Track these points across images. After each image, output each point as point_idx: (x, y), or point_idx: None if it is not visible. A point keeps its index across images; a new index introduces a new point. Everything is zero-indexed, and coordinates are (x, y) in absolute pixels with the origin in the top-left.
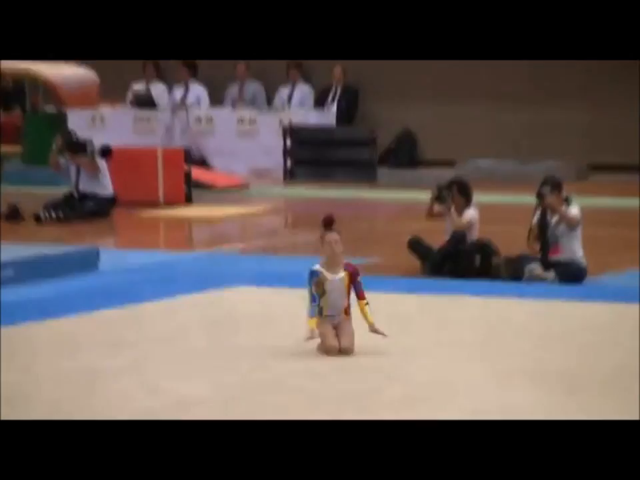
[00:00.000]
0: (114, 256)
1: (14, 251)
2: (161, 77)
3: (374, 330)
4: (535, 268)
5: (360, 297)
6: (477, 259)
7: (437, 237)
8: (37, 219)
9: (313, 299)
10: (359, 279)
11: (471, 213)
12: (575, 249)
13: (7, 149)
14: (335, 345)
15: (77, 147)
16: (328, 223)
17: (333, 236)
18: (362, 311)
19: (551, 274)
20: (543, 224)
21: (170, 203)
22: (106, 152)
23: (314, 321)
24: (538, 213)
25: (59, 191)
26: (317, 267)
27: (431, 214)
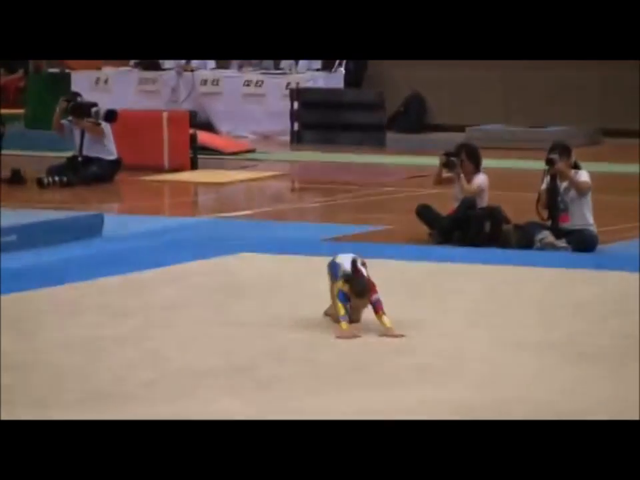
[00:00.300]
0: (118, 221)
1: (16, 216)
2: None
3: (391, 334)
4: (546, 236)
5: (377, 311)
6: (487, 226)
7: (446, 203)
8: (40, 183)
9: (342, 298)
10: (377, 295)
11: (480, 179)
12: (585, 216)
13: (9, 111)
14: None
15: (82, 111)
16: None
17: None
18: (379, 319)
19: (562, 242)
20: (552, 190)
21: (175, 167)
22: (111, 116)
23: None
24: (547, 179)
25: (62, 155)
26: (344, 265)
27: (439, 180)
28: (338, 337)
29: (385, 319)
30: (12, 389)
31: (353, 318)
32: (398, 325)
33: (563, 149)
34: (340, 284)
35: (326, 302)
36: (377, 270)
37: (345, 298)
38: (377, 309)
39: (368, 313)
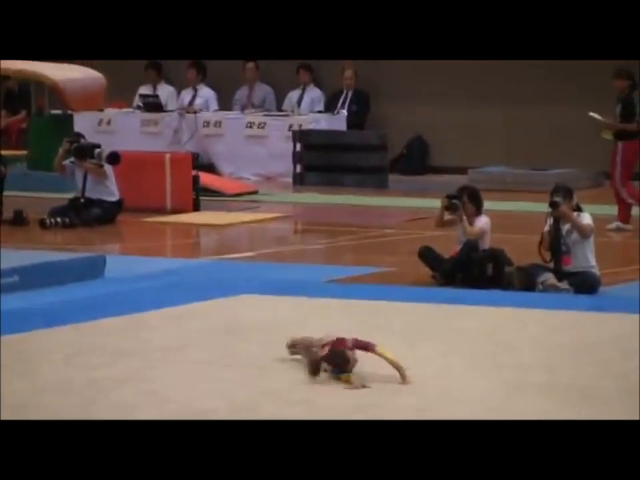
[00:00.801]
0: (120, 263)
1: (19, 256)
2: (169, 79)
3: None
4: (549, 278)
5: (370, 349)
6: (489, 268)
7: (449, 245)
8: (43, 224)
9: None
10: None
11: (482, 221)
12: (587, 258)
13: (11, 152)
14: None
15: (84, 152)
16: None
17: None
18: (383, 356)
19: (564, 284)
20: (555, 232)
21: (177, 209)
22: (114, 159)
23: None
24: (550, 221)
25: (64, 196)
26: None
27: (441, 222)
28: (346, 388)
29: (386, 352)
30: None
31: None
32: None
33: (565, 192)
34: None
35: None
36: (379, 312)
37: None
38: (367, 348)
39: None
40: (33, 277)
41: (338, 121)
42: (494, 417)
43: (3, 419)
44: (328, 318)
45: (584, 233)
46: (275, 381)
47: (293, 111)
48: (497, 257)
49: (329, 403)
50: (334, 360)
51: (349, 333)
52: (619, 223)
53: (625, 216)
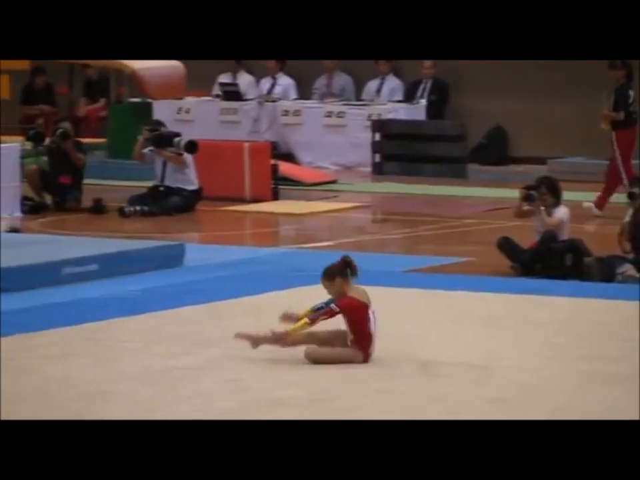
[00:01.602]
0: (199, 251)
1: (98, 245)
2: (248, 68)
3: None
4: (628, 269)
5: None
6: (568, 259)
7: (527, 235)
8: (122, 212)
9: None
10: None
11: (561, 212)
12: None
13: (91, 140)
14: None
15: (163, 141)
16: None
17: None
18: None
19: None
20: (635, 223)
21: (256, 198)
22: (192, 147)
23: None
24: (630, 211)
25: (143, 185)
26: None
27: (520, 213)
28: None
29: (300, 324)
30: (88, 416)
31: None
32: (475, 355)
33: None
34: None
35: (404, 333)
36: (456, 302)
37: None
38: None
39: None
40: (112, 265)
41: (417, 111)
42: (570, 407)
43: (84, 406)
44: (406, 308)
45: None
46: (353, 370)
47: (372, 101)
48: (575, 247)
49: (407, 392)
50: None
51: (426, 322)
52: (592, 206)
53: (601, 202)
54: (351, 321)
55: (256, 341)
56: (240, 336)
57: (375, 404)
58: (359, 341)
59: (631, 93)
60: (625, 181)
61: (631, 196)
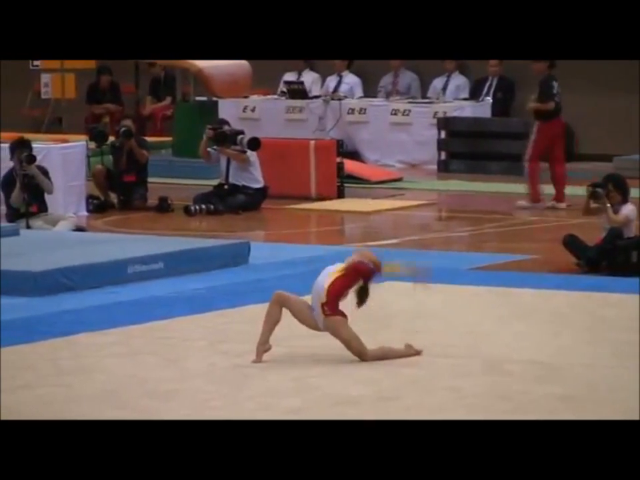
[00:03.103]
0: (264, 249)
1: (164, 243)
2: (313, 66)
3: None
4: None
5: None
6: (634, 256)
7: (593, 232)
8: (187, 211)
9: None
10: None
11: (627, 209)
12: None
13: (156, 139)
14: None
15: (226, 139)
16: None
17: None
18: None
19: None
20: None
21: (322, 196)
22: (254, 144)
23: None
24: None
25: (209, 183)
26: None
27: (587, 210)
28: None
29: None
30: (157, 416)
31: None
32: (542, 352)
33: None
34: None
35: (471, 331)
36: (523, 299)
37: None
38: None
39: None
40: (177, 264)
41: (483, 108)
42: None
43: (152, 404)
44: (471, 305)
45: None
46: (417, 368)
47: (437, 98)
48: None
49: (473, 390)
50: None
51: (493, 320)
52: (554, 202)
53: (561, 193)
54: None
55: None
56: None
57: (441, 402)
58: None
59: (555, 83)
60: (527, 169)
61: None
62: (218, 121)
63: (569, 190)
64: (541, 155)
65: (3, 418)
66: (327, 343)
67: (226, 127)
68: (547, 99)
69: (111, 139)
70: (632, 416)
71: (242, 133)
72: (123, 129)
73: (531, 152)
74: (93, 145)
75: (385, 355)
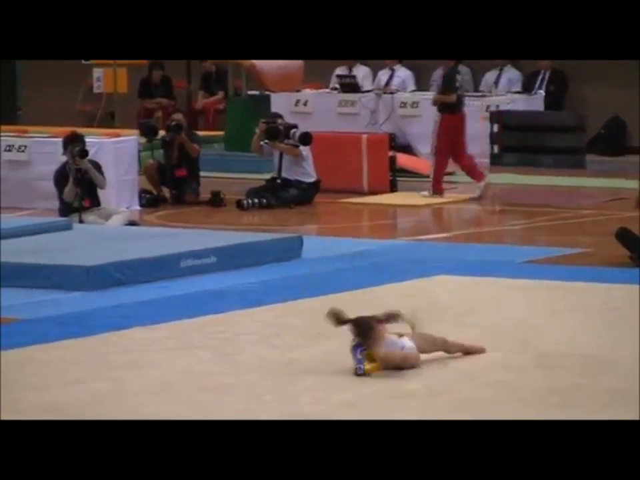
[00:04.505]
0: (317, 243)
1: (216, 237)
2: (365, 60)
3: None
4: None
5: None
6: None
7: None
8: (240, 205)
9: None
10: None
11: None
12: None
13: (208, 133)
14: None
15: (278, 133)
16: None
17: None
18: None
19: None
20: None
21: (374, 189)
22: (305, 139)
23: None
24: None
25: (261, 177)
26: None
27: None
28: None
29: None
30: (209, 410)
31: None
32: (594, 346)
33: None
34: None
35: (523, 324)
36: (575, 293)
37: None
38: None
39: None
40: (230, 258)
41: (535, 102)
42: None
43: (206, 399)
44: (523, 299)
45: None
46: (469, 362)
47: (490, 92)
48: None
49: (524, 384)
50: (358, 328)
51: (545, 313)
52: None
53: (477, 175)
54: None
55: None
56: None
57: (493, 396)
58: None
59: (458, 76)
60: (433, 162)
61: None
62: (271, 114)
63: (620, 183)
64: (447, 146)
65: (55, 413)
66: None
67: (279, 121)
68: (449, 91)
69: (162, 133)
70: None
71: (295, 127)
72: (173, 123)
73: (435, 144)
74: (143, 139)
75: (448, 348)
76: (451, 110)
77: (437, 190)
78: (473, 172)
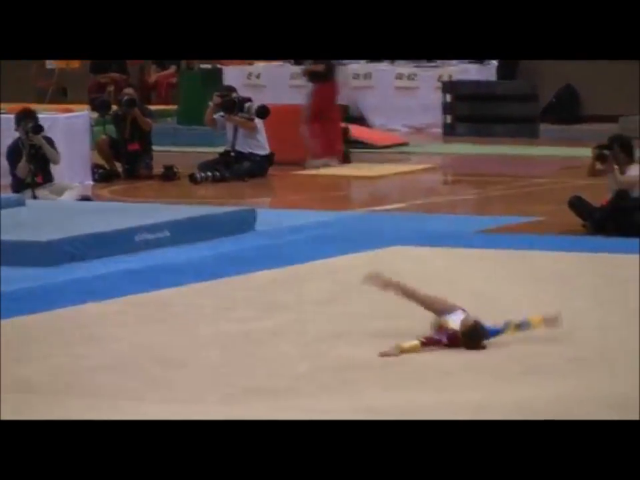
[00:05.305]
0: (271, 216)
1: (170, 211)
2: None
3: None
4: None
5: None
6: None
7: (599, 194)
8: (193, 179)
9: None
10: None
11: (634, 170)
12: None
13: (161, 107)
14: None
15: (234, 106)
16: None
17: None
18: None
19: None
20: None
21: (328, 161)
22: (263, 112)
23: None
24: None
25: (214, 151)
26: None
27: (593, 172)
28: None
29: (413, 344)
30: (167, 384)
31: None
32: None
33: None
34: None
35: (479, 294)
36: (529, 261)
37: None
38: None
39: None
40: (184, 232)
41: (488, 71)
42: None
43: (163, 373)
44: (478, 268)
45: None
46: (425, 333)
47: (442, 62)
48: None
49: (481, 352)
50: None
51: (501, 282)
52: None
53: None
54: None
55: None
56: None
57: (450, 364)
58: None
59: None
60: (306, 131)
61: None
62: (225, 88)
63: (574, 152)
64: (317, 116)
65: (12, 390)
66: (336, 309)
67: (234, 95)
68: (318, 60)
69: (115, 108)
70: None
71: (249, 100)
72: (126, 97)
73: (307, 114)
74: (95, 114)
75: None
76: (321, 79)
77: (317, 154)
78: (337, 142)
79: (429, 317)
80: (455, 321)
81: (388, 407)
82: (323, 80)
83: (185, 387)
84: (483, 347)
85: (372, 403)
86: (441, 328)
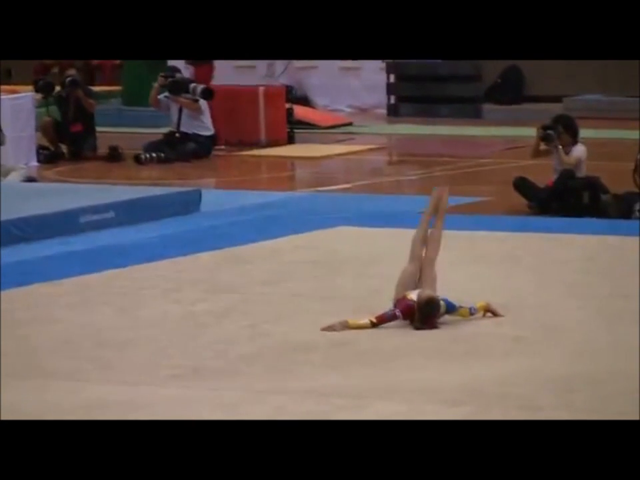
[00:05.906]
0: (215, 197)
1: (114, 192)
2: None
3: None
4: None
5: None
6: (585, 196)
7: (544, 174)
8: (138, 159)
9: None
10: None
11: (578, 150)
12: None
13: (105, 88)
14: None
15: (179, 87)
16: None
17: None
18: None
19: None
20: None
21: (272, 142)
22: (208, 94)
23: None
24: None
25: (159, 132)
26: None
27: (537, 153)
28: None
29: (363, 322)
30: (112, 365)
31: None
32: (496, 295)
33: None
34: None
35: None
36: (474, 242)
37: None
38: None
39: None
40: (129, 212)
41: None
42: (592, 346)
43: (106, 354)
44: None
45: None
46: (372, 313)
47: None
48: (593, 185)
49: (426, 333)
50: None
51: (445, 263)
52: None
53: None
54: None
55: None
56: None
57: (395, 346)
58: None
59: None
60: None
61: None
62: (170, 68)
63: (518, 132)
64: None
65: None
66: (281, 290)
67: (178, 75)
68: None
69: (58, 89)
70: (582, 355)
71: (194, 81)
72: (69, 79)
73: None
74: (39, 96)
75: None
76: (198, 61)
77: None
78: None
79: (375, 296)
80: (415, 294)
81: (334, 388)
82: (200, 63)
83: (130, 368)
84: (435, 326)
85: (317, 384)
86: (403, 299)
